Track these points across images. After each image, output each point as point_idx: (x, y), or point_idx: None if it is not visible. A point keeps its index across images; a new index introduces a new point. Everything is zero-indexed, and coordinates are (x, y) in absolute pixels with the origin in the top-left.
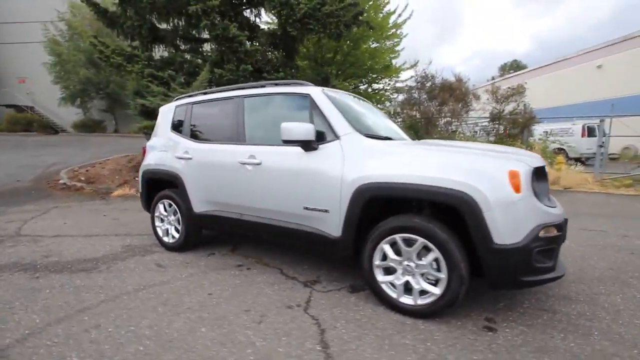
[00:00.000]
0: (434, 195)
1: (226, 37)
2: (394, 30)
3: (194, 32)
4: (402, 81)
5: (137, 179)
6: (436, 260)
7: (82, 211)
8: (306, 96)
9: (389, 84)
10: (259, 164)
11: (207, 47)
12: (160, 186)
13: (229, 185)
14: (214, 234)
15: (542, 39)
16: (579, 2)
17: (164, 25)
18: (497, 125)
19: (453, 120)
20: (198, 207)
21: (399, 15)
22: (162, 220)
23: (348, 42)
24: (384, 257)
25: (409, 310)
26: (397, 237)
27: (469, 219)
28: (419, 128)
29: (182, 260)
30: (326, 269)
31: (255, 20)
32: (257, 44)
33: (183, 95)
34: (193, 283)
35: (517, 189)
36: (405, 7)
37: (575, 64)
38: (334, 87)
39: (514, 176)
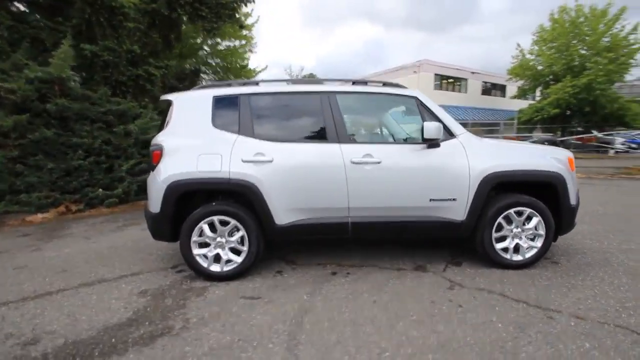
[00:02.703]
0: (539, 177)
1: (105, 5)
2: (245, 32)
3: None
4: None
5: None
6: (540, 222)
7: None
8: (412, 98)
9: None
10: (378, 162)
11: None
12: (196, 201)
13: (337, 188)
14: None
15: (322, 58)
16: (344, 34)
17: None
18: None
19: None
20: (284, 218)
21: (246, 18)
22: (205, 245)
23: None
24: (499, 228)
25: (518, 264)
26: (512, 211)
27: (561, 191)
28: None
29: (271, 285)
30: (407, 255)
31: None
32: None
33: (211, 84)
34: (350, 302)
35: (572, 168)
36: (252, 10)
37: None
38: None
39: (571, 160)
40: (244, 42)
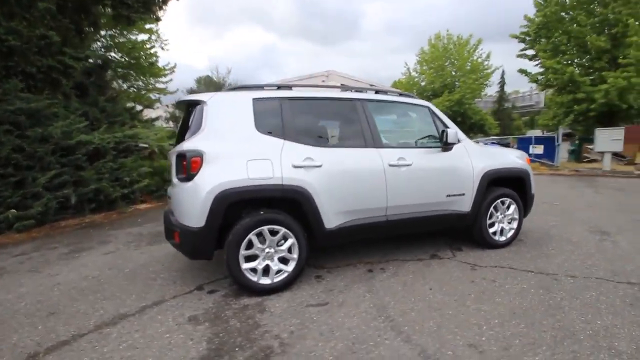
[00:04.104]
0: (515, 173)
1: None
2: (150, 25)
3: None
4: (164, 82)
5: None
6: (515, 208)
7: None
8: (424, 107)
9: (151, 84)
10: (410, 164)
11: None
12: (239, 211)
13: (378, 189)
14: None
15: (214, 60)
16: (236, 38)
17: None
18: None
19: None
20: (332, 221)
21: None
22: (252, 259)
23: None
24: (491, 216)
25: (503, 244)
26: (499, 201)
27: (527, 183)
28: None
29: (325, 289)
30: (415, 247)
31: None
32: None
33: (241, 86)
34: (411, 293)
35: (529, 164)
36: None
37: None
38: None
39: (528, 159)
40: (153, 37)
